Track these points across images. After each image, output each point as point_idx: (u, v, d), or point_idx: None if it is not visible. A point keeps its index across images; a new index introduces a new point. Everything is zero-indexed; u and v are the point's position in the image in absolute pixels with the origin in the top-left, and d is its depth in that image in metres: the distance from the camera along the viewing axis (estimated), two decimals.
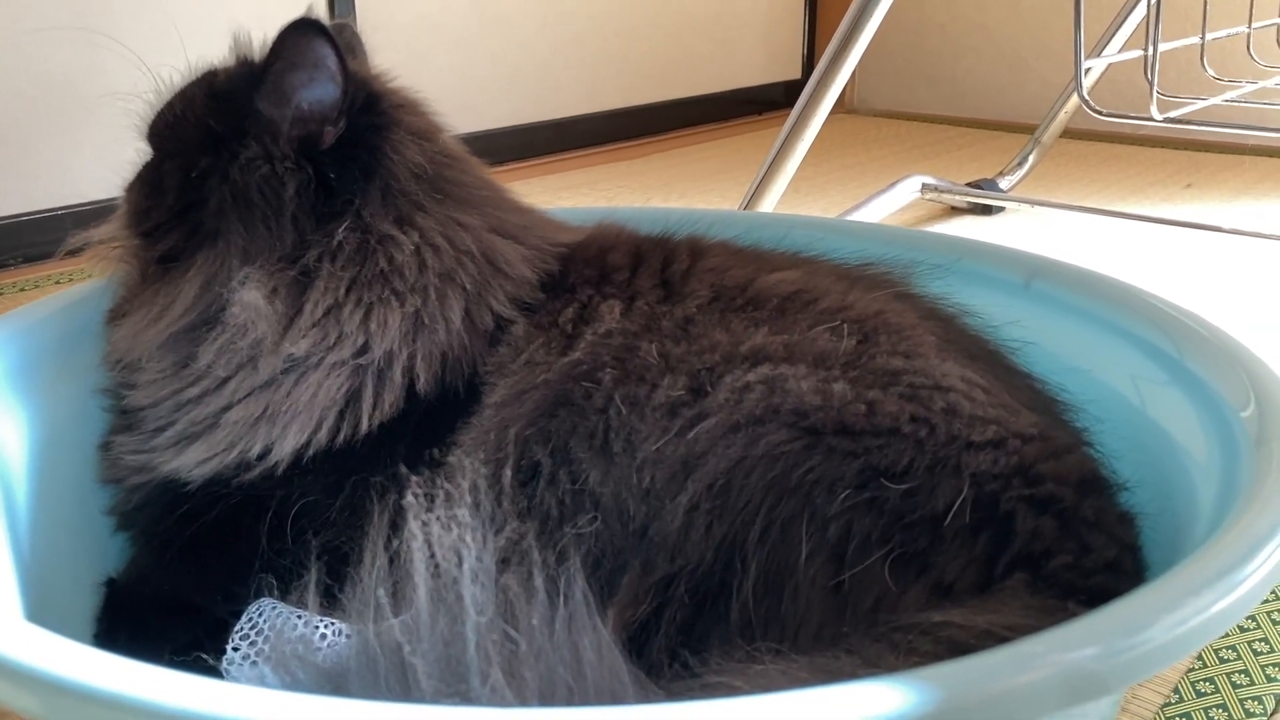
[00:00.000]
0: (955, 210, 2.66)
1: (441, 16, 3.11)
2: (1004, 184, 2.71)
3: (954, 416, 0.83)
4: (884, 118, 4.05)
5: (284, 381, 0.92)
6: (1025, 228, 2.54)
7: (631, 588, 0.79)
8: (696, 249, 1.05)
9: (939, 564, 0.77)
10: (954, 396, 0.86)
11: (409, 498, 0.74)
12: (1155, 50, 1.56)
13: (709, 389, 0.85)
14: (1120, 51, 2.33)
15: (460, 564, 0.65)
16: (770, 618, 0.77)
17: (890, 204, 2.32)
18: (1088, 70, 1.84)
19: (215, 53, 1.01)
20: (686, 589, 0.79)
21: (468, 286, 0.97)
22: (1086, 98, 1.61)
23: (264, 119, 0.95)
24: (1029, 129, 2.86)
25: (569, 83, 3.49)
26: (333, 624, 0.87)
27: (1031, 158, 2.73)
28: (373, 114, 0.98)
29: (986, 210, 2.64)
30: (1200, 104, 1.80)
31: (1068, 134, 2.84)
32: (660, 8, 3.71)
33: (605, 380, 0.90)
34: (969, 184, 2.65)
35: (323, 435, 0.91)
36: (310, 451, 0.90)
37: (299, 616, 0.88)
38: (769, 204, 1.88)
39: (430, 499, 0.73)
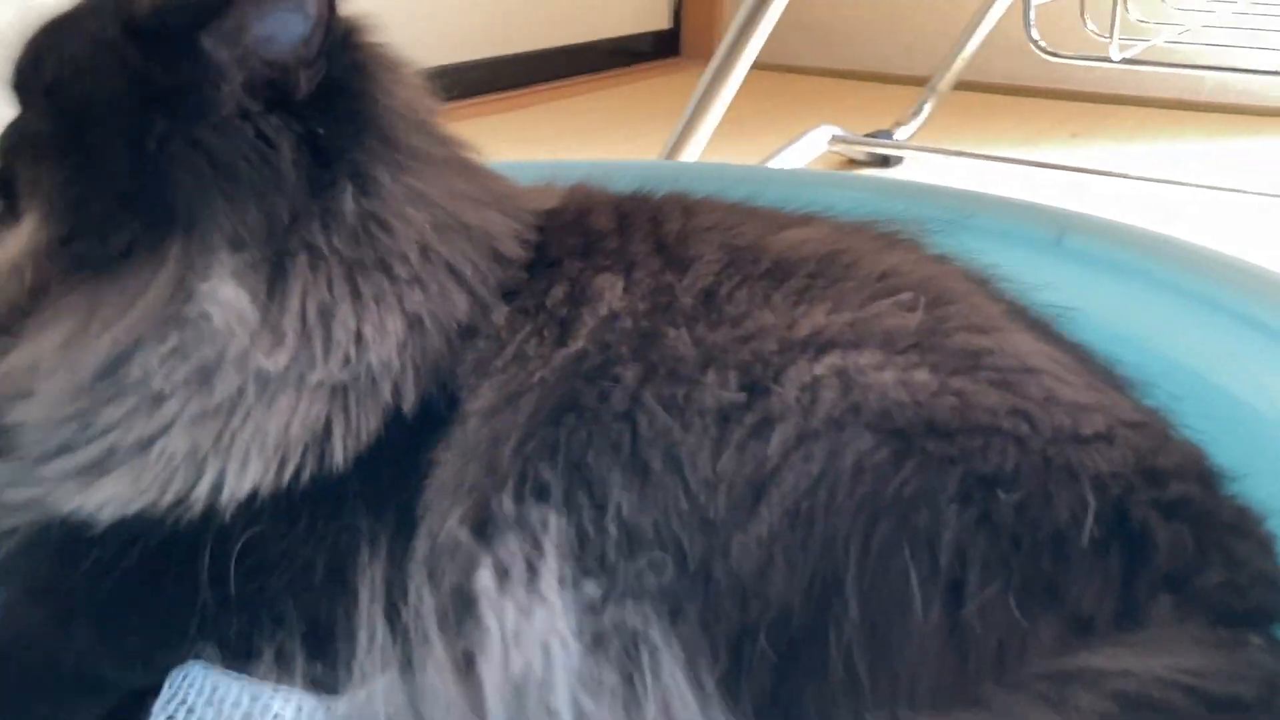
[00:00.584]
0: (854, 163, 2.57)
1: None
2: (899, 134, 2.63)
3: (1054, 405, 0.70)
4: (757, 69, 3.92)
5: (245, 404, 0.71)
6: (927, 179, 2.46)
7: (694, 644, 0.63)
8: (686, 206, 0.89)
9: (1071, 592, 0.63)
10: (1048, 380, 0.72)
11: (482, 579, 0.55)
12: None
13: (770, 386, 0.69)
14: None
15: (550, 663, 0.47)
16: (879, 671, 0.62)
17: (800, 157, 2.20)
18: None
19: None
20: (770, 642, 0.62)
21: (468, 276, 0.77)
22: (1036, 39, 1.51)
23: (215, 63, 0.72)
24: (903, 80, 2.78)
25: (430, 31, 3.23)
26: (290, 696, 0.68)
27: (928, 107, 2.65)
28: (351, 50, 0.77)
29: (885, 162, 2.56)
30: (1158, 41, 1.72)
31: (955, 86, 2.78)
32: None
33: (626, 377, 0.72)
34: (867, 135, 2.56)
35: (288, 471, 0.70)
36: (269, 489, 0.70)
37: (241, 686, 0.70)
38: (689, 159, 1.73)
39: (505, 574, 0.55)
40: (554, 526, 0.66)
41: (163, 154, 0.71)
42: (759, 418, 0.68)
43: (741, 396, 0.69)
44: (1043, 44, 1.53)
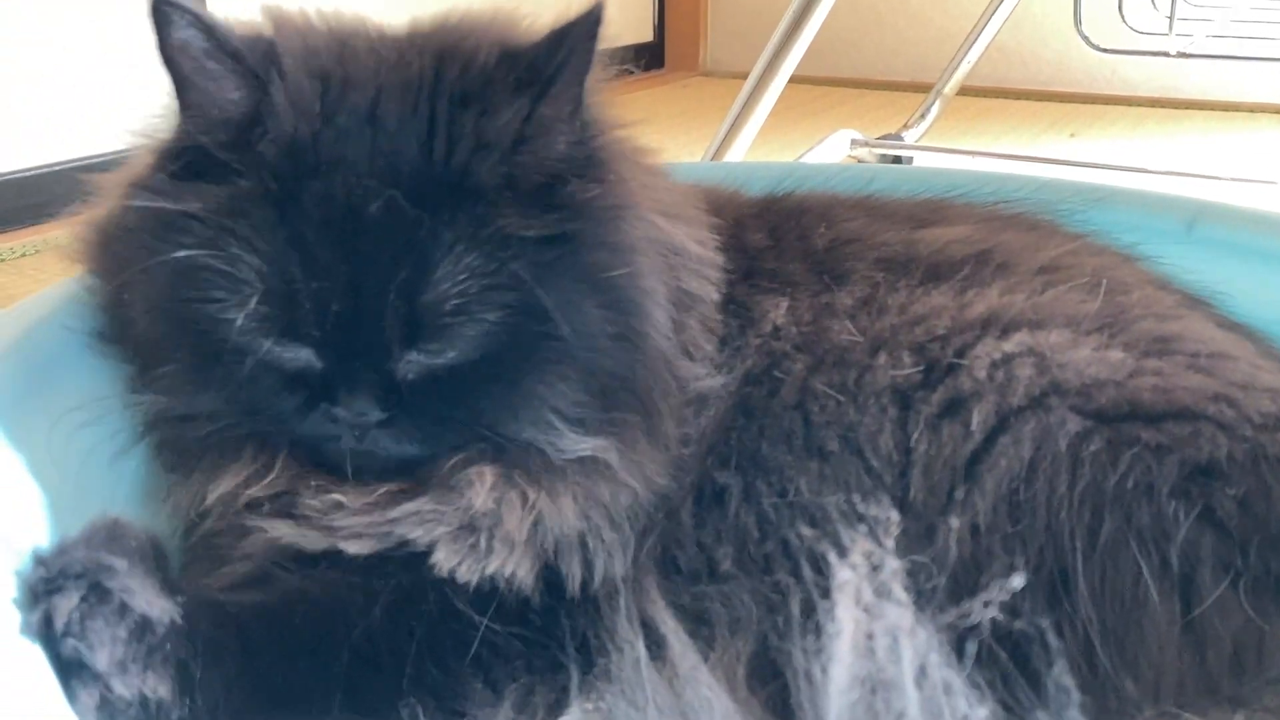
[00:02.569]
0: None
1: None
2: (908, 136, 2.62)
3: (1255, 390, 0.67)
4: (740, 78, 3.91)
5: None
6: None
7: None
8: (824, 214, 0.86)
9: None
10: (1243, 364, 0.70)
11: (844, 572, 0.51)
12: None
13: (952, 362, 0.66)
14: None
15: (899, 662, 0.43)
16: (1118, 669, 0.59)
17: (824, 160, 2.18)
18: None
19: None
20: (997, 638, 0.59)
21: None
22: (1086, 34, 1.50)
23: None
24: (891, 86, 2.78)
25: None
26: None
27: (934, 109, 2.65)
28: None
29: (896, 162, 2.55)
30: (1213, 34, 1.72)
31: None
32: None
33: (795, 369, 0.70)
34: (879, 138, 2.55)
35: None
36: None
37: None
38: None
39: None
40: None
41: None
42: (949, 395, 0.65)
43: (919, 375, 0.67)
44: (1092, 40, 1.52)
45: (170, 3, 0.62)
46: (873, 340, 0.70)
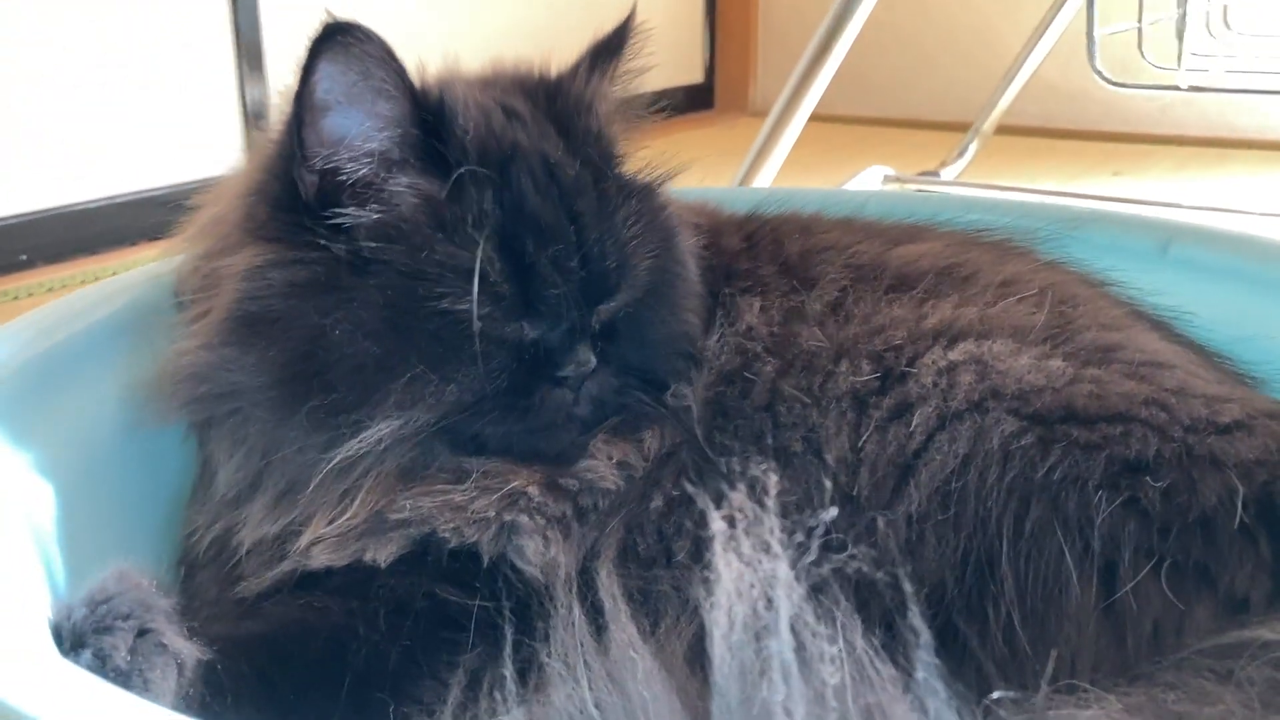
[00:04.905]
0: None
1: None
2: (945, 174, 2.66)
3: (1189, 396, 0.71)
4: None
5: None
6: None
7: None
8: (803, 225, 0.91)
9: (1224, 574, 0.64)
10: (1179, 373, 0.74)
11: (717, 523, 0.57)
12: (1185, 12, 1.49)
13: (904, 371, 0.71)
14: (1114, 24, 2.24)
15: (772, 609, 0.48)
16: (1039, 647, 0.63)
17: None
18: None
19: None
20: (925, 617, 0.63)
21: None
22: (1099, 69, 1.53)
23: None
24: (937, 126, 2.81)
25: None
26: None
27: (972, 147, 2.68)
28: None
29: None
30: (1222, 70, 1.74)
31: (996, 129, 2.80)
32: (561, 11, 3.56)
33: (765, 372, 0.75)
34: (918, 174, 2.59)
35: None
36: None
37: None
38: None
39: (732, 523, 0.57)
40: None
41: None
42: (896, 400, 0.70)
43: (875, 381, 0.72)
44: (1107, 74, 1.56)
45: (348, 29, 0.67)
46: (837, 347, 0.76)
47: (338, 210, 0.70)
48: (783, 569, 0.54)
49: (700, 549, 0.64)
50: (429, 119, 0.71)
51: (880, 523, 0.66)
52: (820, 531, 0.59)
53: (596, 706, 0.53)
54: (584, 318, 0.73)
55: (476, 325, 0.68)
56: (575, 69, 0.80)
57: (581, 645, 0.58)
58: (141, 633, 0.61)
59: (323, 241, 0.70)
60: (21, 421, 0.75)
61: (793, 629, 0.50)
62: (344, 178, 0.70)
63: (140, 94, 2.31)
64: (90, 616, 0.61)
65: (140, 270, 0.92)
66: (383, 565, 0.71)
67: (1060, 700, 0.58)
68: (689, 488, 0.69)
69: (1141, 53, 1.60)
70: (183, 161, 2.32)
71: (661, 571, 0.70)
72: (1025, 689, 0.61)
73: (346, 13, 0.68)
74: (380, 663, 0.67)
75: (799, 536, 0.58)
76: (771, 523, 0.57)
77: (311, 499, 0.71)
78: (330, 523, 0.71)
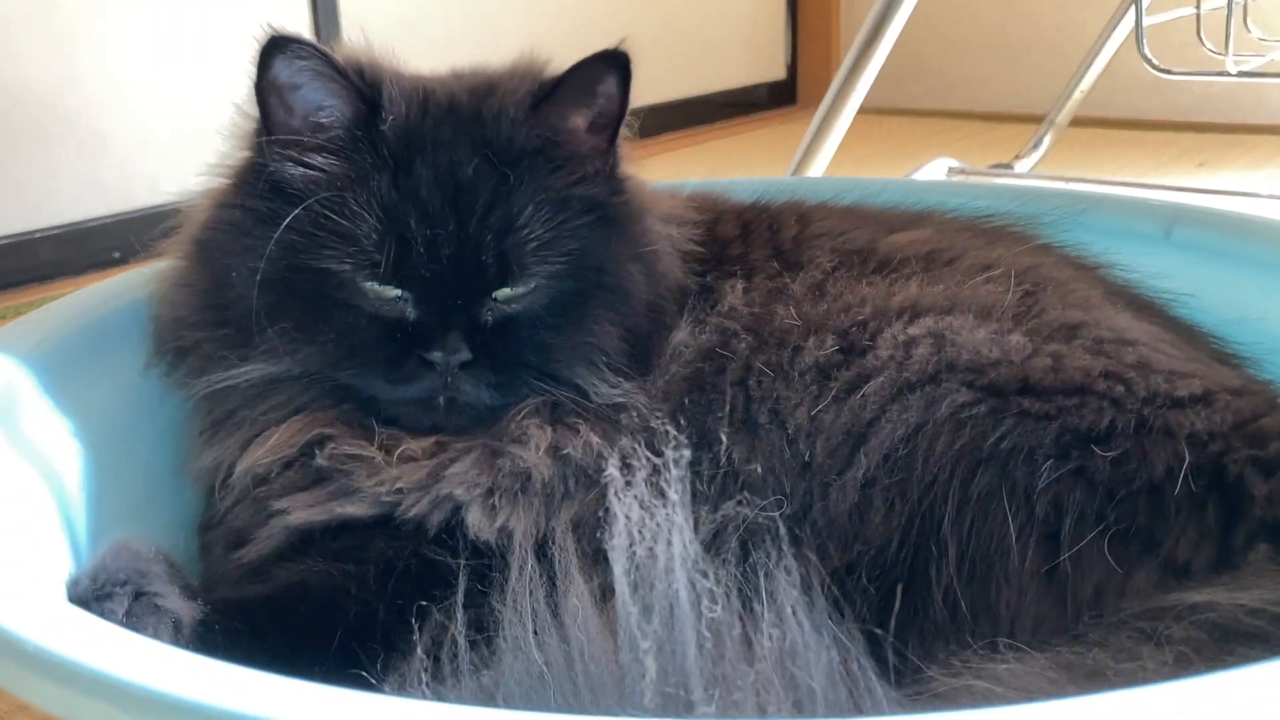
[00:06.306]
0: None
1: (425, 20, 2.99)
2: (1019, 167, 2.63)
3: (1149, 371, 0.73)
4: (870, 114, 3.94)
5: None
6: None
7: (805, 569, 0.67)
8: (802, 213, 0.95)
9: (1167, 540, 0.66)
10: (1143, 349, 0.75)
11: (610, 470, 0.62)
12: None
13: (865, 345, 0.75)
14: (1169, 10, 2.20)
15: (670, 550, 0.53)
16: (980, 610, 0.66)
17: None
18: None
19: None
20: (870, 578, 0.67)
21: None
22: (1148, 55, 1.52)
23: None
24: (1020, 119, 2.77)
25: None
26: None
27: (1047, 140, 2.65)
28: None
29: None
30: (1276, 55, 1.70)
31: (1071, 121, 2.76)
32: (644, 10, 3.61)
33: (740, 349, 0.79)
34: (990, 166, 2.57)
35: None
36: None
37: None
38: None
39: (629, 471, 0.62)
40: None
41: None
42: (855, 372, 0.74)
43: (838, 355, 0.75)
44: (1155, 61, 1.54)
45: (286, 36, 0.78)
46: (809, 324, 0.79)
47: (268, 169, 0.81)
48: (679, 515, 0.58)
49: (602, 495, 0.68)
50: (364, 108, 0.80)
51: (833, 489, 0.70)
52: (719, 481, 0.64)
53: (539, 649, 0.58)
54: (465, 307, 0.78)
55: (349, 288, 0.77)
56: (509, 78, 0.86)
57: (531, 594, 0.63)
58: (138, 595, 0.67)
59: (256, 196, 0.80)
60: (59, 393, 0.84)
61: (686, 570, 0.54)
62: (282, 145, 0.81)
63: None
64: (92, 586, 0.68)
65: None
66: (367, 519, 0.76)
67: (985, 656, 0.60)
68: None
69: (1201, 39, 1.57)
70: None
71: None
72: (965, 648, 0.64)
73: None
74: (370, 619, 0.72)
75: (699, 485, 0.62)
76: (670, 473, 0.61)
77: (230, 430, 0.81)
78: (245, 453, 0.80)
